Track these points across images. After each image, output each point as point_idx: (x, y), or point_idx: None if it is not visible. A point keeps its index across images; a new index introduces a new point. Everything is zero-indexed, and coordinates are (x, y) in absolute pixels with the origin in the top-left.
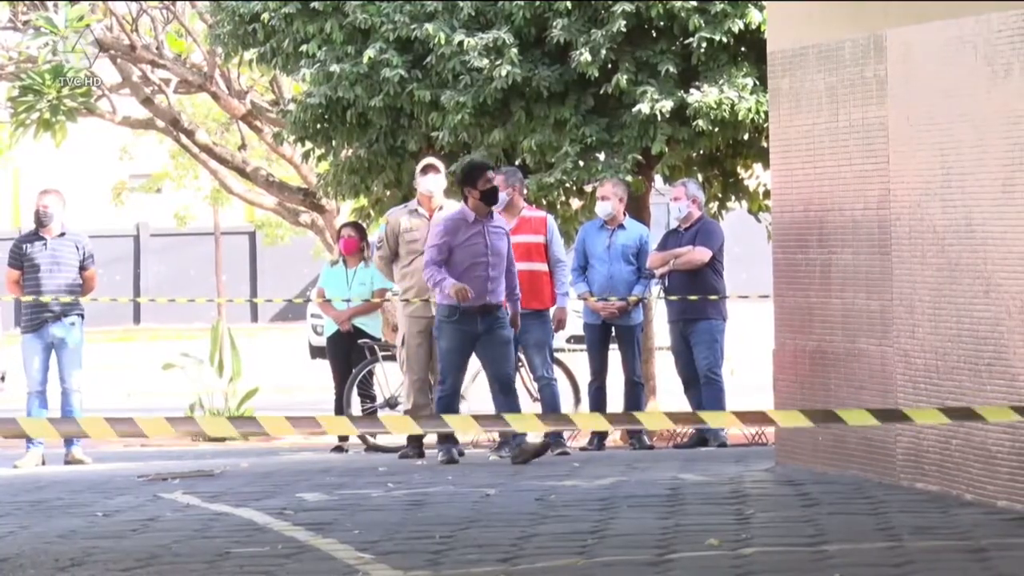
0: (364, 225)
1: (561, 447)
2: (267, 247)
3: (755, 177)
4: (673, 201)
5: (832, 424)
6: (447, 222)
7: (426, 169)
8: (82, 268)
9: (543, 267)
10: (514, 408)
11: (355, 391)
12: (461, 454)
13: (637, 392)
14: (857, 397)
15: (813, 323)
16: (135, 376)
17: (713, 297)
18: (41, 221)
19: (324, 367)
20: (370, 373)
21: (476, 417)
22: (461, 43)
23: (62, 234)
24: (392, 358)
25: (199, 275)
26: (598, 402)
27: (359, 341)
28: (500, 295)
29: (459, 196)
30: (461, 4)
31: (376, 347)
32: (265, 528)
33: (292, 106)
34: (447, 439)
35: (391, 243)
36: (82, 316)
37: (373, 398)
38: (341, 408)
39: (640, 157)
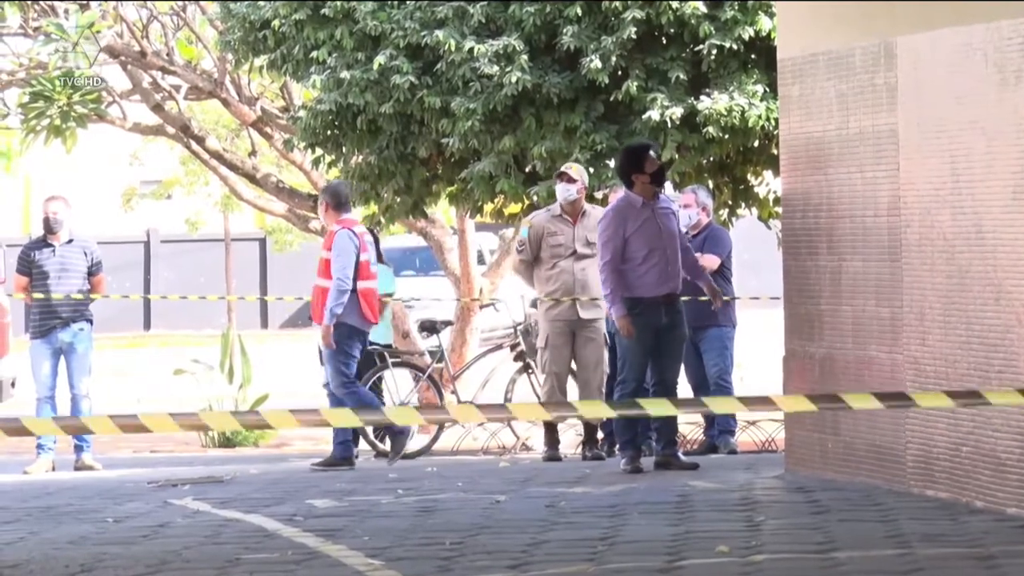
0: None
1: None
2: (277, 253)
3: (765, 184)
4: (684, 208)
5: (840, 426)
6: (613, 213)
7: (560, 176)
8: (90, 274)
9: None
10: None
11: None
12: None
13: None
14: None
15: (823, 330)
16: (145, 382)
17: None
18: (51, 228)
19: None
20: (379, 379)
21: (480, 406)
22: (471, 50)
23: (70, 240)
24: (401, 364)
25: (209, 281)
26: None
27: (368, 347)
28: (679, 282)
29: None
30: (471, 11)
31: (385, 353)
32: (275, 534)
33: (302, 112)
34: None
35: (534, 247)
36: (91, 322)
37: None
38: None
39: None
